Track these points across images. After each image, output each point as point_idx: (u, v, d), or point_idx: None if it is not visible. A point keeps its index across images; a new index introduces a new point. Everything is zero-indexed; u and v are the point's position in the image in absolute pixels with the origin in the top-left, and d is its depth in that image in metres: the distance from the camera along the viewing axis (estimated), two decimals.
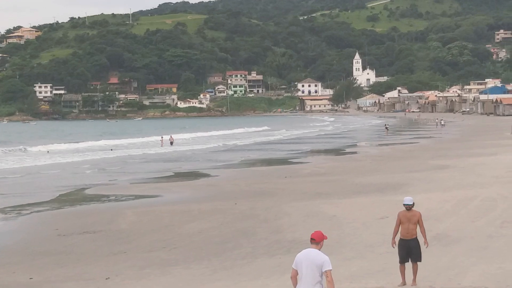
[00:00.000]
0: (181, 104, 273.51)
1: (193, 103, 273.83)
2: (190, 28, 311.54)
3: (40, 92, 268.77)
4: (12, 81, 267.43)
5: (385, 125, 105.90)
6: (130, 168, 51.52)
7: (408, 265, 14.62)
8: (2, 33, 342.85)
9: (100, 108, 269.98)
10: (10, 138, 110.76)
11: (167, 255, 18.82)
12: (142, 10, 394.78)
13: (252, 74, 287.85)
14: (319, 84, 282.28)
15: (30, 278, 16.14)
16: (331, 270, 10.22)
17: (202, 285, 15.15)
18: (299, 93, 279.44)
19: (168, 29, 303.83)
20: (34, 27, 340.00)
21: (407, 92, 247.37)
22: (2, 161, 61.13)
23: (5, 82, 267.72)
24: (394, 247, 14.81)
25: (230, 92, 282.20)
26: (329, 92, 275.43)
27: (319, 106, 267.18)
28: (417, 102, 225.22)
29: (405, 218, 14.58)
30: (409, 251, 14.56)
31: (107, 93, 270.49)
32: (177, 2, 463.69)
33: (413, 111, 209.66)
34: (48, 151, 74.96)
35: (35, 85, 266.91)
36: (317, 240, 10.55)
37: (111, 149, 76.92)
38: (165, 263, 17.72)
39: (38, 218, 27.37)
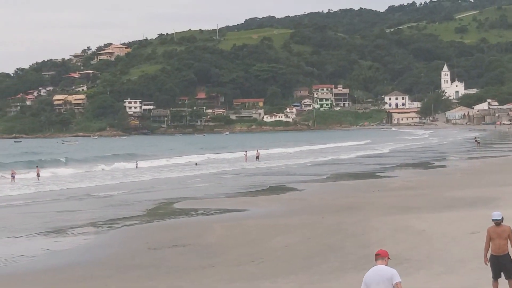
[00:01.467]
0: (267, 118, 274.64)
1: (279, 117, 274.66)
2: (276, 43, 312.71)
3: (130, 108, 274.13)
4: (103, 97, 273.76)
5: (475, 138, 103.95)
6: (218, 183, 51.96)
7: (503, 281, 14.28)
8: (94, 50, 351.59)
9: (188, 123, 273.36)
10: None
11: (254, 269, 18.90)
12: (228, 26, 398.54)
13: (338, 88, 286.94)
14: (407, 97, 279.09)
15: None
16: (400, 282, 10.49)
17: None
18: (386, 106, 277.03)
19: (255, 44, 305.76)
20: (124, 44, 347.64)
21: (497, 104, 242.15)
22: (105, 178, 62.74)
23: (96, 98, 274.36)
24: (486, 264, 14.50)
25: (316, 106, 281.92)
26: (417, 105, 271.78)
27: (407, 119, 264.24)
28: (508, 114, 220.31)
29: (495, 233, 14.27)
30: (501, 267, 14.24)
31: (195, 108, 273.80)
32: (263, 17, 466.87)
33: (504, 124, 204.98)
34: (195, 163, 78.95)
35: (125, 100, 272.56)
36: (382, 255, 10.81)
37: (196, 164, 78.14)
38: (253, 277, 17.80)
39: (129, 231, 27.89)
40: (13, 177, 61.01)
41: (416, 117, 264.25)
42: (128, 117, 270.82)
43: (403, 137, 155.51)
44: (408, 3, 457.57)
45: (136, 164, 77.93)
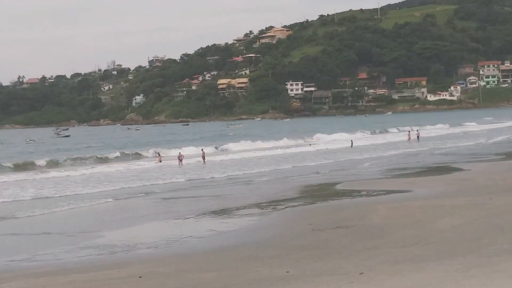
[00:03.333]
0: (430, 97, 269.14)
1: (443, 96, 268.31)
2: (440, 19, 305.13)
3: (292, 90, 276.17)
4: (265, 80, 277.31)
5: None
6: (378, 163, 51.54)
7: None
8: (256, 34, 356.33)
9: (349, 104, 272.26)
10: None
11: (420, 251, 18.60)
12: (390, 4, 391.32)
13: (505, 64, 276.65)
14: None
15: (287, 272, 16.62)
16: None
17: (456, 282, 14.82)
18: None
19: (417, 22, 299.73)
20: (285, 26, 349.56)
21: None
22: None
23: (258, 81, 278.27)
24: None
25: (482, 83, 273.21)
26: None
27: None
28: None
29: None
30: None
31: (356, 88, 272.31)
32: None
33: None
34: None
35: (286, 83, 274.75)
36: None
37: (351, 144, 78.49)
38: (418, 259, 17.53)
39: (293, 213, 28.18)
40: (180, 160, 63.07)
41: None
42: (290, 99, 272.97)
43: None
44: None
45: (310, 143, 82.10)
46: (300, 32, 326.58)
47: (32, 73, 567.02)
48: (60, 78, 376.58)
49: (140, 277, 16.91)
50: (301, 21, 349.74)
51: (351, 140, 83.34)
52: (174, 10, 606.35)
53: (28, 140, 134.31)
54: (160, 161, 65.39)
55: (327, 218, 25.55)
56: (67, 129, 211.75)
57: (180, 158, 63.67)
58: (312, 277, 15.96)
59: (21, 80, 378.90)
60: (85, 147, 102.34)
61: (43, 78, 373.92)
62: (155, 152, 73.66)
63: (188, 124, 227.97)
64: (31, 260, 20.87)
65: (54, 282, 16.89)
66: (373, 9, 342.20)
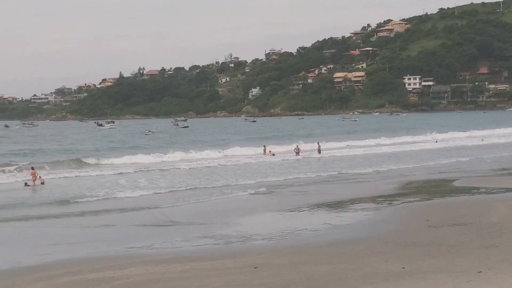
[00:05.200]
0: None
1: None
2: None
3: (409, 84, 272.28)
4: (382, 74, 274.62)
5: None
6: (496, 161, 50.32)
7: None
8: (373, 27, 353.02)
9: (469, 99, 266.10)
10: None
11: None
12: None
13: None
14: None
15: (402, 268, 16.49)
16: None
17: None
18: None
19: None
20: (403, 20, 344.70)
21: None
22: None
23: (375, 75, 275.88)
24: None
25: None
26: None
27: None
28: None
29: None
30: None
31: (476, 83, 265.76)
32: None
33: None
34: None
35: (404, 77, 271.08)
36: None
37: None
38: None
39: (409, 208, 27.87)
40: (297, 153, 63.64)
41: None
42: (407, 94, 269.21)
43: None
44: None
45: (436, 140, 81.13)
46: (418, 25, 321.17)
47: (152, 65, 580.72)
48: (179, 70, 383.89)
49: (255, 267, 17.13)
50: (420, 14, 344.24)
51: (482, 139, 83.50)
52: (291, 3, 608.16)
53: (146, 131, 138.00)
54: (272, 154, 65.12)
55: (444, 214, 25.14)
56: (185, 120, 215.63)
57: (296, 150, 64.32)
58: (428, 273, 15.77)
59: (141, 71, 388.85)
60: (221, 139, 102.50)
61: (163, 70, 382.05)
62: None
63: (303, 118, 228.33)
64: (150, 247, 21.45)
65: (173, 269, 17.32)
66: (495, 2, 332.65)
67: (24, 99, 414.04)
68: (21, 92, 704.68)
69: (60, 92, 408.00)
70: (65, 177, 47.06)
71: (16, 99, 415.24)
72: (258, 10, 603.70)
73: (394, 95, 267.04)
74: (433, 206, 28.17)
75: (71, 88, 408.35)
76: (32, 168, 44.36)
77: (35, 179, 42.73)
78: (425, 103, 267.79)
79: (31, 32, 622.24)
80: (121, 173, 48.88)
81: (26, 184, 42.17)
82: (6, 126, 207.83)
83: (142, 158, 62.26)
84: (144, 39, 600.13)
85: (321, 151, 66.27)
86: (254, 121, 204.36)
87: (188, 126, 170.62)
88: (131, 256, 19.77)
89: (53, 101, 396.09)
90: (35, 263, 19.15)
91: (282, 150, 69.67)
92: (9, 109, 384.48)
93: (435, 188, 34.92)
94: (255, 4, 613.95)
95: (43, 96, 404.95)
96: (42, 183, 42.29)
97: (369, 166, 50.66)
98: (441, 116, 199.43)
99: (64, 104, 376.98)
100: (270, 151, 66.57)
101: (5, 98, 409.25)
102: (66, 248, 21.73)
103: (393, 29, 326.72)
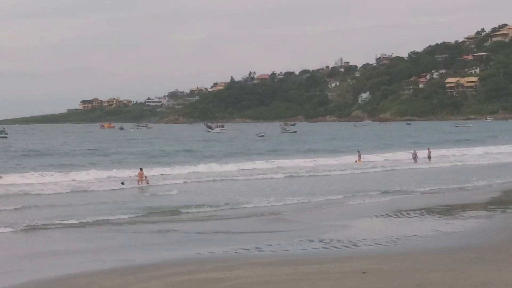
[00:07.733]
0: None
1: None
2: None
3: None
4: (496, 79, 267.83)
5: None
6: None
7: None
8: (487, 31, 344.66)
9: None
10: None
11: None
12: None
13: None
14: None
15: None
16: None
17: None
18: None
19: None
20: None
21: None
22: None
23: (489, 81, 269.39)
24: None
25: None
26: None
27: None
28: None
29: None
30: None
31: None
32: None
33: None
34: None
35: None
36: None
37: None
38: None
39: None
40: (414, 158, 63.74)
41: None
42: None
43: None
44: None
45: None
46: None
47: (262, 69, 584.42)
48: (289, 74, 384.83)
49: (363, 272, 16.99)
50: None
51: None
52: (403, 7, 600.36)
53: (258, 133, 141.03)
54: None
55: None
56: (294, 125, 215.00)
57: (414, 155, 64.51)
58: None
59: (252, 75, 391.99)
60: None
61: (273, 74, 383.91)
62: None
63: (411, 123, 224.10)
64: (258, 249, 21.60)
65: (280, 272, 17.36)
66: None
67: (138, 102, 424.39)
68: (136, 95, 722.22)
69: (173, 95, 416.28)
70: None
71: (131, 101, 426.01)
72: (368, 14, 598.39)
73: (508, 101, 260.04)
74: None
75: (183, 92, 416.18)
76: (141, 169, 45.64)
77: (141, 180, 44.06)
78: None
79: (149, 34, 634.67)
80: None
81: (122, 183, 43.65)
82: (121, 129, 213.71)
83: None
84: (255, 42, 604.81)
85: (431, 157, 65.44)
86: (365, 126, 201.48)
87: (296, 131, 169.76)
88: (240, 257, 19.96)
89: (166, 104, 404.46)
90: (148, 262, 19.59)
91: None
92: (123, 112, 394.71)
93: None
94: (365, 7, 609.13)
95: (156, 99, 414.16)
96: (148, 183, 43.87)
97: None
98: None
99: (176, 107, 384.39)
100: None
101: (121, 101, 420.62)
102: (177, 247, 22.19)
103: (508, 33, 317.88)
